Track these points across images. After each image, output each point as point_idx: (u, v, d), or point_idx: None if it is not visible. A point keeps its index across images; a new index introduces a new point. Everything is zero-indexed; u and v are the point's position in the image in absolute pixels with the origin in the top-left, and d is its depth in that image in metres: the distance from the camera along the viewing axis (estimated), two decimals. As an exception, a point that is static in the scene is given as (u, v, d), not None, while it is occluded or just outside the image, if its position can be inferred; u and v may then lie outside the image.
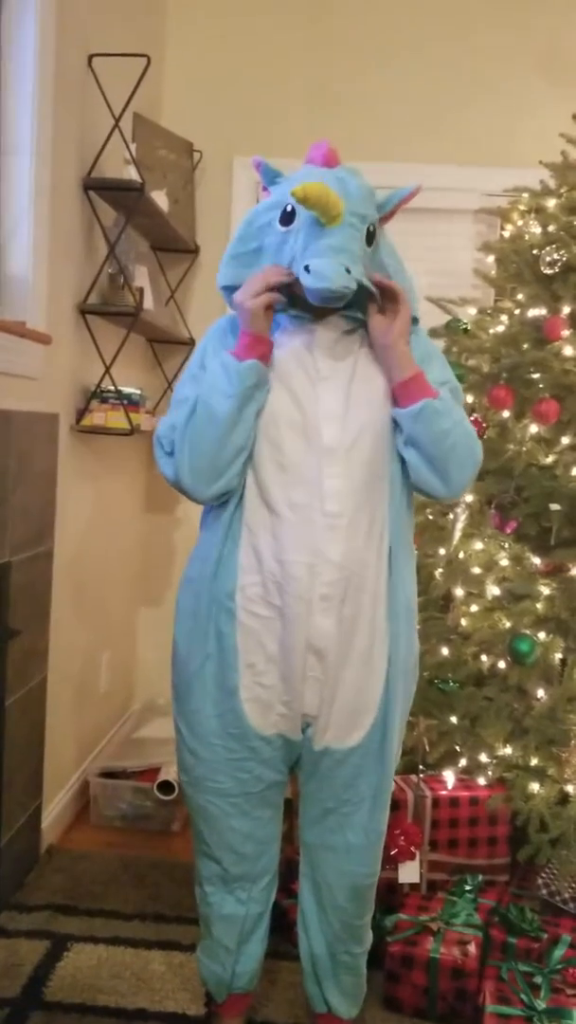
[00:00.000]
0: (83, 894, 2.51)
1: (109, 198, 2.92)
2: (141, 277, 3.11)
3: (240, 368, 1.59)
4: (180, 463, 1.64)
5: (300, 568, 1.62)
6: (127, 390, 2.95)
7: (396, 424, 1.68)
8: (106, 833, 2.93)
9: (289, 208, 1.60)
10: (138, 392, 3.01)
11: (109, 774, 3.00)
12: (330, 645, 1.65)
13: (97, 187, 2.83)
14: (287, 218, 1.60)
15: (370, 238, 1.62)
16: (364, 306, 1.67)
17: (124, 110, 2.83)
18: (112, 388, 2.88)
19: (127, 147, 2.91)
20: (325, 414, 1.63)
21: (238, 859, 1.79)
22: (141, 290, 3.01)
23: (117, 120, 2.81)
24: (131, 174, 2.90)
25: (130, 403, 2.90)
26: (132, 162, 2.91)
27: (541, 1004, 1.94)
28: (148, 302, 3.09)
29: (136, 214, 2.98)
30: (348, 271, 1.51)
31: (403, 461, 1.70)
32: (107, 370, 2.88)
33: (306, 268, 1.52)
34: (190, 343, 3.63)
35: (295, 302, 1.67)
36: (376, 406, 1.67)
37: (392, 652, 1.71)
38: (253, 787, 1.74)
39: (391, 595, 1.70)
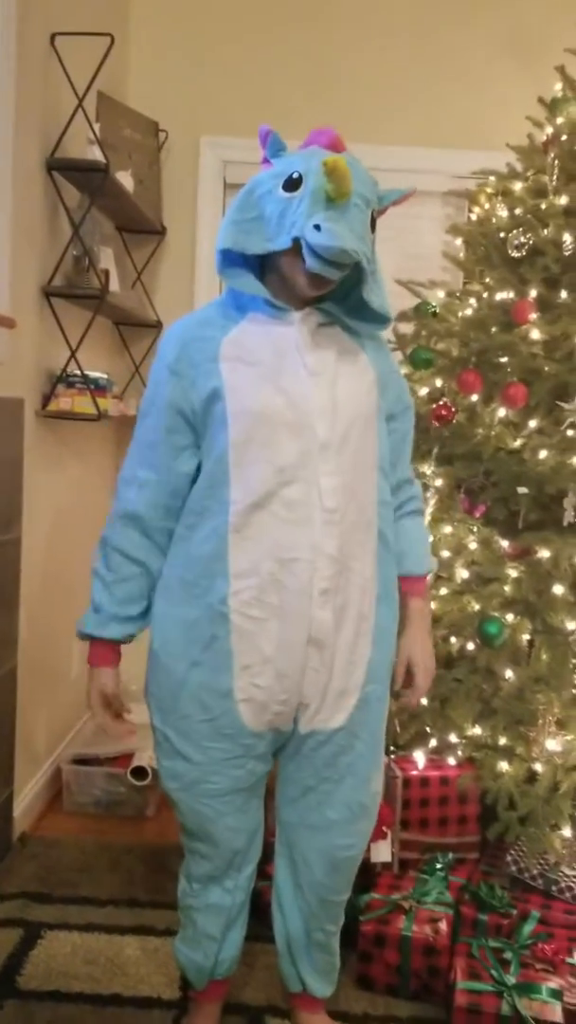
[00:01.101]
0: (56, 881, 2.52)
1: (73, 179, 2.88)
2: (107, 259, 3.08)
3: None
4: None
5: (302, 566, 1.62)
6: (94, 374, 2.92)
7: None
8: (79, 820, 2.93)
9: (296, 175, 1.56)
10: (105, 376, 2.98)
11: (82, 761, 3.00)
12: (328, 636, 1.65)
13: (61, 168, 2.79)
14: (292, 184, 1.57)
15: (372, 224, 1.62)
16: (342, 300, 1.67)
17: (88, 89, 2.79)
18: (78, 372, 2.85)
19: (91, 127, 2.87)
20: (317, 410, 1.62)
21: (231, 855, 1.80)
22: (107, 272, 2.97)
23: (81, 100, 2.77)
24: (95, 154, 2.87)
25: (97, 388, 2.88)
26: (96, 142, 2.87)
27: (511, 979, 1.97)
28: (114, 284, 3.07)
29: (101, 195, 2.94)
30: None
31: (388, 443, 1.76)
32: (73, 354, 2.85)
33: (316, 227, 1.50)
34: (157, 326, 3.60)
35: (276, 291, 1.65)
36: (361, 397, 1.67)
37: (376, 636, 1.73)
38: (246, 782, 1.75)
39: (378, 582, 1.72)
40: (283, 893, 1.88)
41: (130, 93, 3.56)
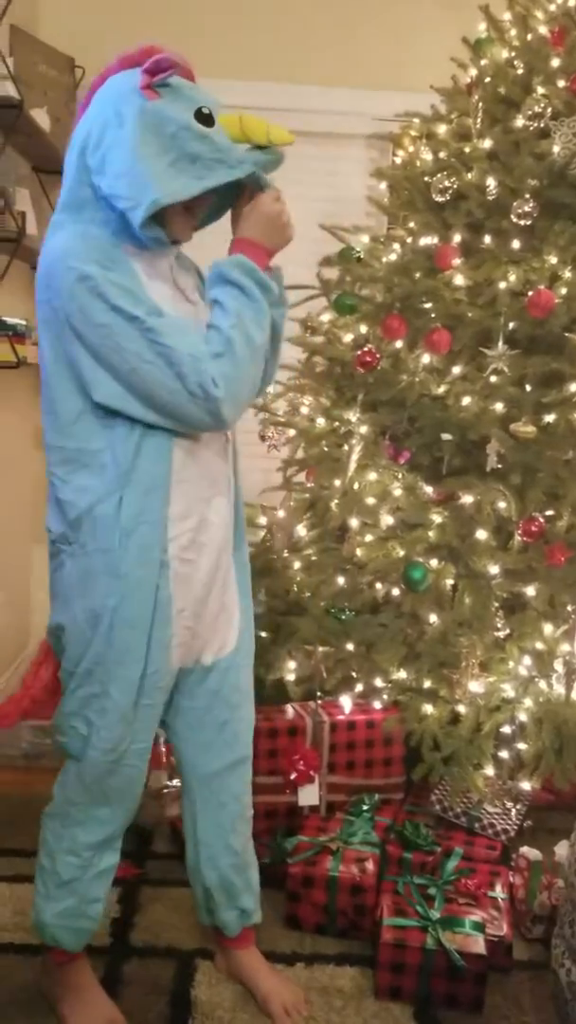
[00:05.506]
0: (-17, 834, 2.50)
1: (-15, 116, 2.76)
2: (23, 200, 2.97)
3: (275, 287, 1.60)
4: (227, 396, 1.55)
5: (222, 498, 1.68)
6: (11, 320, 2.83)
7: None
8: (5, 773, 2.90)
9: (206, 110, 1.54)
10: (23, 323, 2.89)
11: (7, 714, 2.96)
12: (231, 561, 1.74)
13: (-29, 104, 2.67)
14: (207, 119, 1.54)
15: None
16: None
17: (-2, 21, 2.67)
18: (-5, 319, 2.77)
19: (3, 62, 2.75)
20: None
21: (132, 811, 1.79)
22: (23, 214, 2.88)
23: (-10, 31, 2.65)
24: (8, 90, 2.74)
25: (15, 334, 2.80)
26: (9, 78, 2.75)
27: (435, 914, 2.02)
28: (31, 227, 2.97)
29: (15, 133, 2.83)
30: None
31: None
32: (-11, 300, 2.76)
33: (260, 147, 1.60)
34: (77, 271, 3.50)
35: (163, 223, 1.57)
36: None
37: (237, 547, 1.79)
38: (157, 727, 1.76)
39: (236, 501, 1.79)
40: (212, 843, 1.88)
41: (43, 27, 3.41)
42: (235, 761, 1.84)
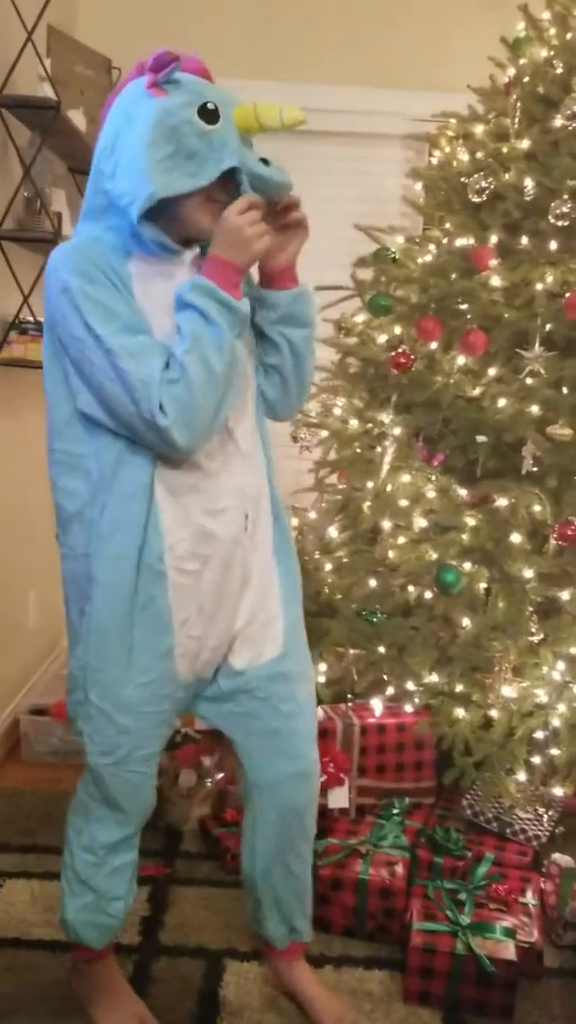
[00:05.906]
0: (15, 831, 2.52)
1: (23, 116, 2.78)
2: (59, 201, 3.00)
3: (242, 305, 1.53)
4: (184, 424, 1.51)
5: (233, 512, 1.63)
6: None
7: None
8: (38, 769, 2.93)
9: (212, 106, 1.48)
10: (59, 323, 2.91)
11: (39, 711, 2.99)
12: (254, 571, 1.69)
13: (10, 105, 2.70)
14: (211, 116, 1.48)
15: None
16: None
17: (37, 23, 2.69)
18: (32, 319, 2.79)
19: (41, 62, 2.77)
20: None
21: (147, 811, 1.79)
22: (59, 215, 2.91)
23: (30, 33, 2.67)
24: (46, 91, 2.77)
25: (50, 334, 2.82)
26: (47, 79, 2.78)
27: (465, 919, 2.01)
28: (67, 227, 2.99)
29: (52, 134, 2.85)
30: None
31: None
32: (25, 300, 2.79)
33: (264, 161, 1.52)
34: (113, 271, 3.52)
35: (170, 230, 1.55)
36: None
37: (280, 557, 1.76)
38: (166, 737, 1.76)
39: (272, 503, 1.75)
40: (270, 857, 1.84)
41: (81, 28, 3.44)
42: (294, 774, 1.79)
